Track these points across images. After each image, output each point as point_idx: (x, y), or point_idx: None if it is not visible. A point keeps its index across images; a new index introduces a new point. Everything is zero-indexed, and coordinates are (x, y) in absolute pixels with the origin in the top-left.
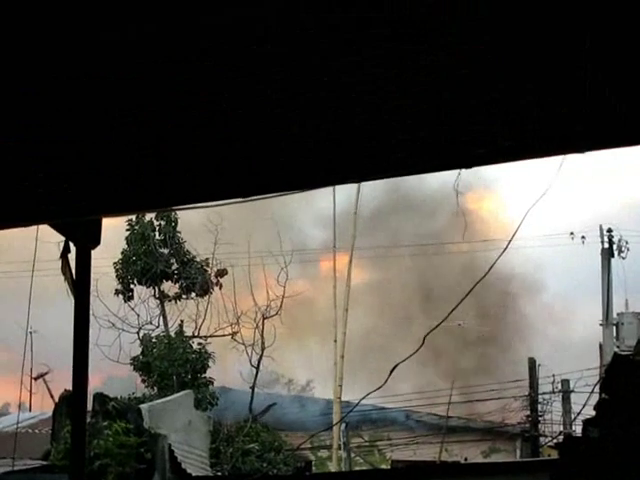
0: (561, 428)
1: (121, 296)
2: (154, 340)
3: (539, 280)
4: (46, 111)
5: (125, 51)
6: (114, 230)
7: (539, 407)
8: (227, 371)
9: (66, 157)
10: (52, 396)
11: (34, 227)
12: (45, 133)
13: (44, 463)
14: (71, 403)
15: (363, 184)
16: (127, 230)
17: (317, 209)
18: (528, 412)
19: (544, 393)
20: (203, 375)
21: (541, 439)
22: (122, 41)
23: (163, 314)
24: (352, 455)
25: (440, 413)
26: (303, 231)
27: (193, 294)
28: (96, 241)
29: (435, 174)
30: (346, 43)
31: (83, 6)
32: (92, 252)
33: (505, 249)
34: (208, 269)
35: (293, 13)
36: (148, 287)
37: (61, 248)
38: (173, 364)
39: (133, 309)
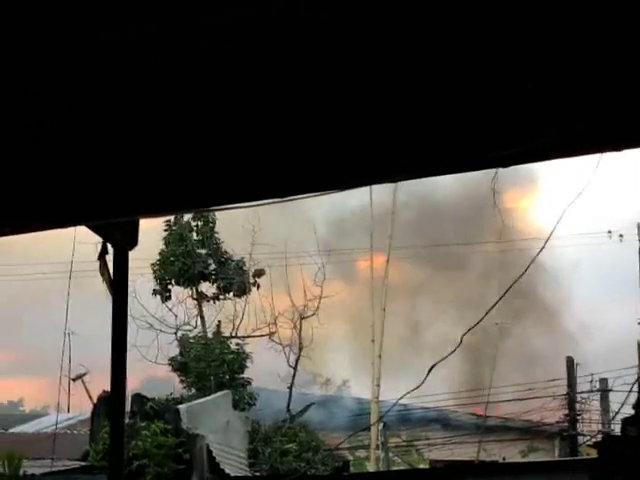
0: (600, 427)
1: (159, 297)
2: (192, 341)
3: (577, 279)
4: (83, 114)
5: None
6: (152, 231)
7: (577, 406)
8: (265, 371)
9: (103, 159)
10: (90, 397)
11: (71, 229)
12: (82, 135)
13: (83, 464)
14: (109, 404)
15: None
16: (165, 231)
17: (348, 208)
18: (566, 411)
19: (582, 392)
20: (241, 375)
21: (580, 438)
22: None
23: (201, 314)
24: (390, 455)
25: (478, 412)
26: (338, 231)
27: (231, 294)
28: (133, 242)
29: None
30: (373, 41)
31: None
32: (129, 253)
33: (542, 249)
34: (246, 269)
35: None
36: (186, 287)
37: (99, 249)
38: (210, 365)
39: (171, 310)
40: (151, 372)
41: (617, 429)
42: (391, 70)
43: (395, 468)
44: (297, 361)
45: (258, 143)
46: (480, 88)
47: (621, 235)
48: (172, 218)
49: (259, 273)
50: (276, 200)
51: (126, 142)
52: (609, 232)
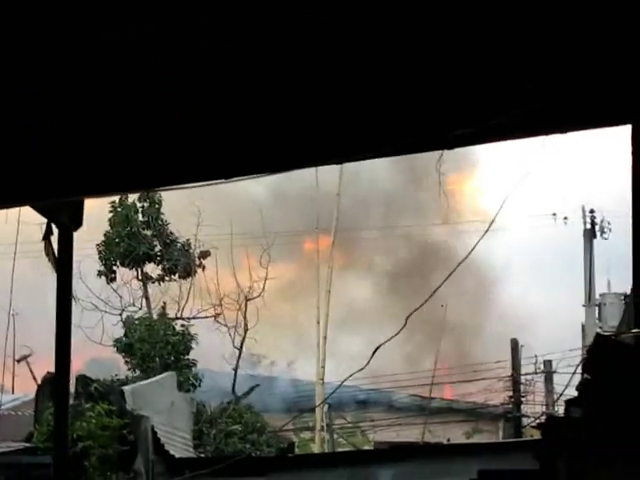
0: (544, 409)
1: (104, 278)
2: (137, 322)
3: (522, 261)
4: (33, 97)
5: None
6: (97, 212)
7: (522, 388)
8: (210, 353)
9: (49, 140)
10: (35, 378)
11: (16, 210)
12: (29, 118)
13: (27, 445)
14: (54, 385)
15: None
16: (110, 212)
17: (293, 190)
18: (511, 393)
19: (527, 374)
20: (186, 357)
21: (524, 420)
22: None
23: (146, 296)
24: (335, 436)
25: (423, 394)
26: (284, 213)
27: (176, 276)
28: (78, 223)
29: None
30: (332, 26)
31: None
32: (74, 234)
33: (487, 231)
34: (191, 251)
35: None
36: (131, 269)
37: (43, 230)
38: (155, 346)
39: (116, 291)
40: (96, 353)
41: (561, 410)
42: (338, 53)
43: (340, 449)
44: (242, 342)
45: (202, 124)
46: (427, 69)
47: (566, 218)
48: (117, 199)
49: (204, 254)
50: (221, 181)
51: (72, 122)
52: (554, 215)
